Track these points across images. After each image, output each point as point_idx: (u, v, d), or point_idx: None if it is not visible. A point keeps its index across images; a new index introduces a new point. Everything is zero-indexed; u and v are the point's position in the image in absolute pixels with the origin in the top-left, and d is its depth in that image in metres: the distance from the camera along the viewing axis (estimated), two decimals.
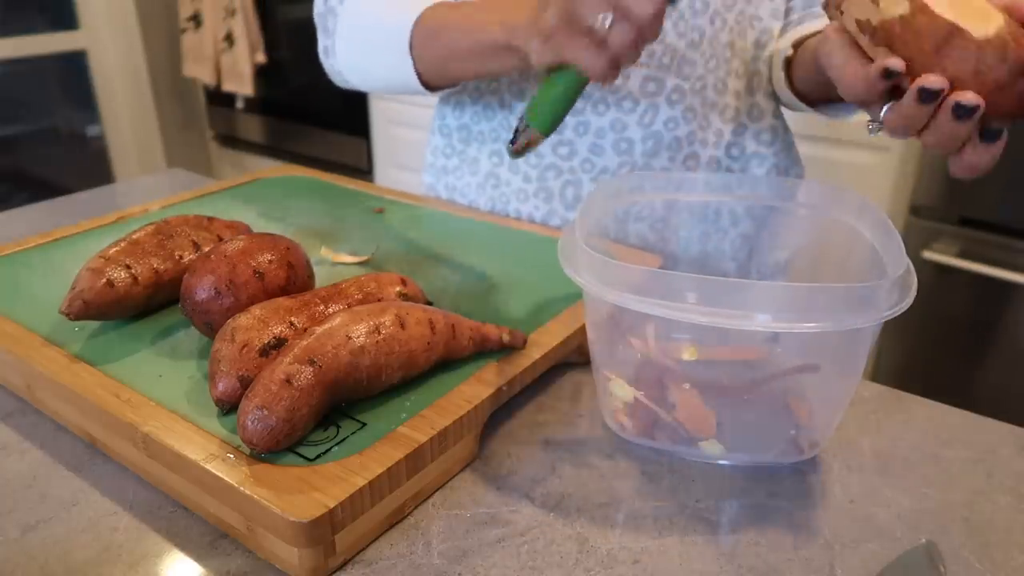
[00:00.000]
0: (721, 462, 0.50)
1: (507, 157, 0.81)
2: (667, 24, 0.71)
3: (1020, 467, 0.50)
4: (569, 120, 0.76)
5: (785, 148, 0.83)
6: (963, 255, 1.46)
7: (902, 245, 0.46)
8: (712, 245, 0.79)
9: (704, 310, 0.42)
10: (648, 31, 0.49)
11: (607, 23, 0.48)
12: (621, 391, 0.51)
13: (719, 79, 0.75)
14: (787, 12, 0.78)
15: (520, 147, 0.56)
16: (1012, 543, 0.44)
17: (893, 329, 1.61)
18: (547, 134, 0.55)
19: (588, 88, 0.71)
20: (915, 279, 0.44)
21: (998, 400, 1.51)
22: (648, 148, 0.75)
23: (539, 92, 0.54)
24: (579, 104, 0.75)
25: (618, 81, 0.73)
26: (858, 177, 1.56)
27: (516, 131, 0.56)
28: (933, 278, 1.50)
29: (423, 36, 0.66)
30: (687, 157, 0.77)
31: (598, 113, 0.75)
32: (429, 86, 0.70)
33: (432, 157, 0.90)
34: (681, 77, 0.73)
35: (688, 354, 0.55)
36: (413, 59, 0.68)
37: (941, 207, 1.48)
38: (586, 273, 0.46)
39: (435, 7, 0.66)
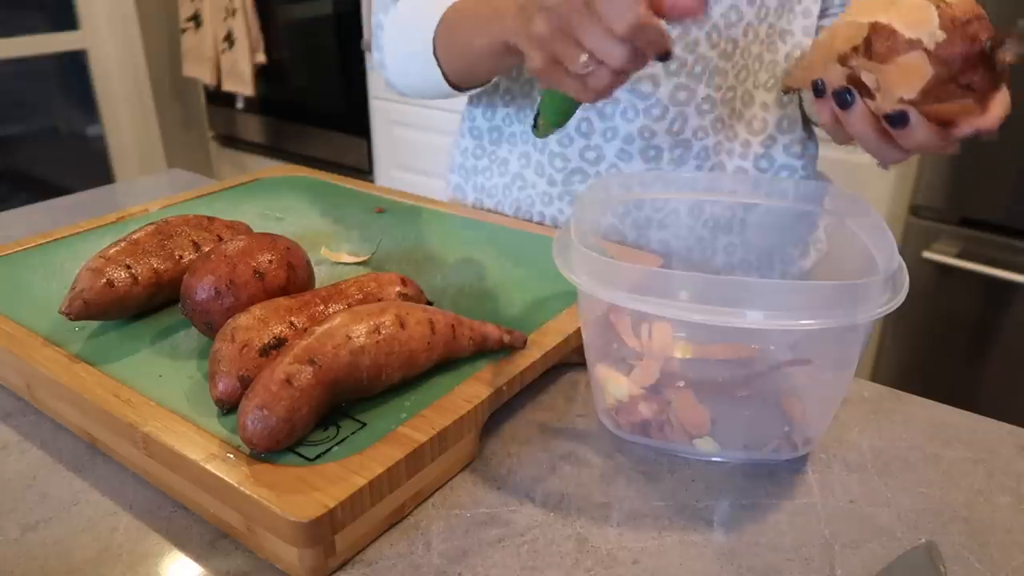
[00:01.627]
0: (716, 459, 0.50)
1: (534, 159, 0.81)
2: (700, 34, 0.71)
3: (1020, 467, 0.50)
4: (597, 125, 0.76)
5: (812, 161, 0.83)
6: (963, 255, 1.47)
7: (894, 243, 0.46)
8: (707, 243, 0.79)
9: (697, 308, 0.42)
10: (628, 69, 0.47)
11: (586, 67, 0.48)
12: (616, 389, 0.51)
13: (747, 91, 0.75)
14: (817, 31, 0.77)
15: (540, 132, 0.57)
16: (1012, 543, 0.44)
17: (893, 329, 1.61)
18: (556, 127, 0.56)
19: (617, 93, 0.72)
20: (907, 277, 0.44)
21: (998, 400, 1.51)
22: (676, 156, 0.75)
23: (544, 93, 0.55)
24: (608, 110, 0.75)
25: (648, 88, 0.73)
26: (858, 177, 1.56)
27: (536, 116, 0.57)
28: (933, 278, 1.51)
29: (443, 36, 0.67)
30: (714, 166, 0.76)
31: (627, 119, 0.75)
32: (457, 87, 0.71)
33: (461, 158, 0.90)
34: (712, 87, 0.73)
35: (682, 352, 0.55)
36: (438, 60, 0.68)
37: (941, 207, 1.48)
38: (580, 271, 0.46)
39: (459, 2, 0.66)
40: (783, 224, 0.72)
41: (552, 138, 0.79)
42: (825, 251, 0.80)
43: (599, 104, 0.74)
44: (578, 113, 0.75)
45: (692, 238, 0.77)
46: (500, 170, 0.85)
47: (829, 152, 1.58)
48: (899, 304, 0.42)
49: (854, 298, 0.41)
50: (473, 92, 0.78)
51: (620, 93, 0.74)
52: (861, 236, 0.51)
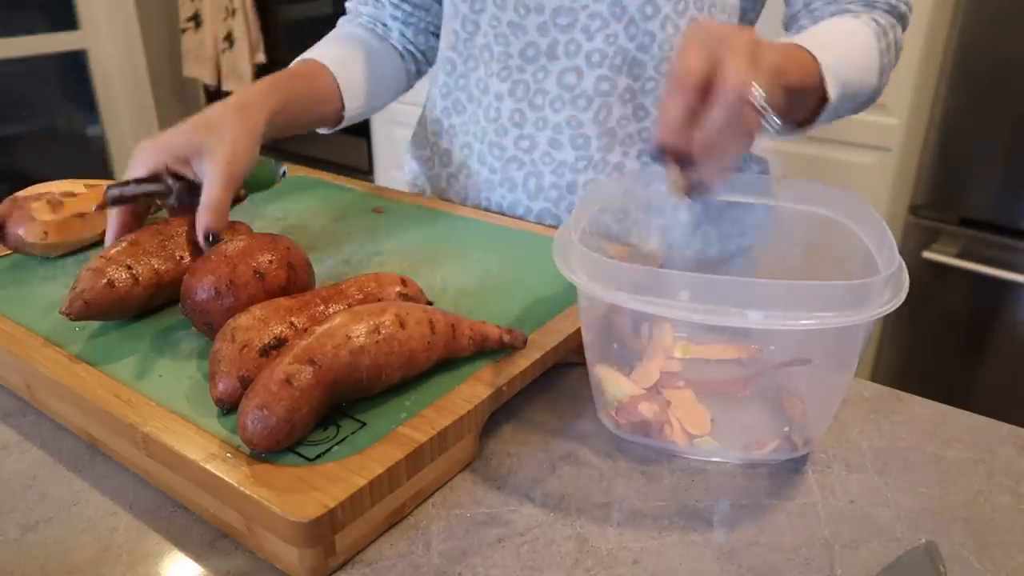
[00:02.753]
0: (716, 459, 0.50)
1: (476, 148, 0.83)
2: (619, 27, 0.73)
3: (1020, 467, 0.50)
4: (528, 115, 0.79)
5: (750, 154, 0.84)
6: (963, 255, 1.47)
7: (894, 243, 0.46)
8: (709, 244, 0.79)
9: (698, 308, 0.42)
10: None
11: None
12: (616, 389, 0.51)
13: None
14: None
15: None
16: (1012, 543, 0.44)
17: (893, 329, 1.61)
18: (255, 192, 0.76)
19: (545, 85, 0.77)
20: (907, 276, 0.44)
21: (998, 400, 1.51)
22: (603, 144, 0.77)
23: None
24: (537, 101, 0.78)
25: (572, 80, 0.76)
26: (858, 177, 1.56)
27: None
28: (933, 278, 1.50)
29: None
30: (640, 152, 0.78)
31: (555, 110, 0.77)
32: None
33: (415, 148, 0.94)
34: (632, 78, 0.75)
35: (682, 352, 0.55)
36: None
37: (941, 207, 1.48)
38: (580, 271, 0.46)
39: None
40: (751, 215, 0.73)
41: (490, 128, 0.81)
42: (798, 242, 0.81)
43: (530, 95, 0.78)
44: (510, 104, 0.79)
45: (694, 238, 0.77)
46: (443, 160, 0.88)
47: (830, 152, 1.59)
48: (899, 304, 0.42)
49: (854, 298, 0.41)
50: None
51: (550, 84, 0.77)
52: (861, 236, 0.51)
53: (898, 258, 0.44)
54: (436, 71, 0.88)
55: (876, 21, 0.70)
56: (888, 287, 0.43)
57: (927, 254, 1.48)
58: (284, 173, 0.81)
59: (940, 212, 1.49)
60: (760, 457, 0.50)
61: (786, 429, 0.50)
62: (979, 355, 1.51)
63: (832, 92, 0.61)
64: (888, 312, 0.41)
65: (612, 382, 0.51)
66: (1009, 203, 1.40)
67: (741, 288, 0.42)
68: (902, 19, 0.74)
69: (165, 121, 2.74)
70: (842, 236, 0.54)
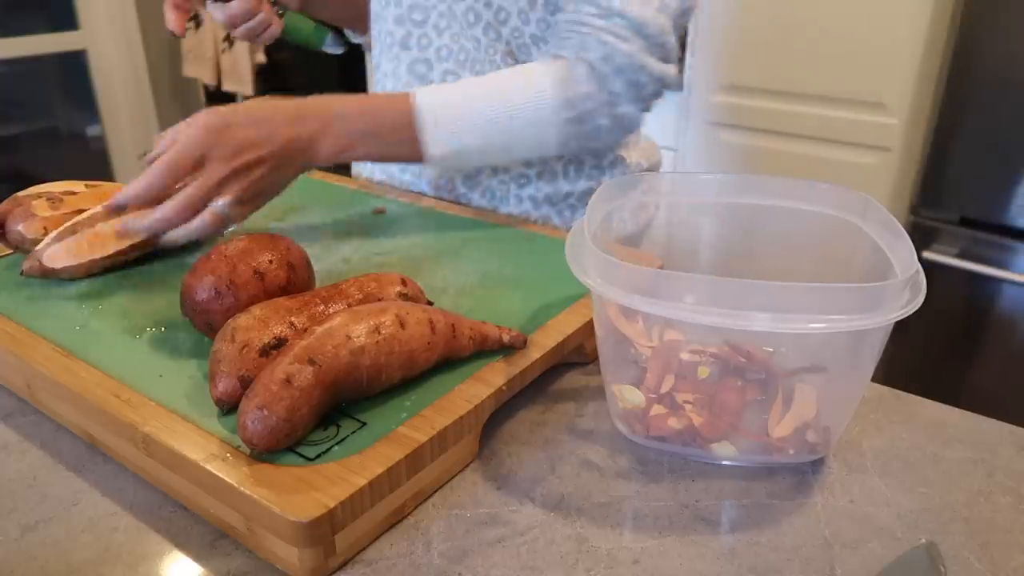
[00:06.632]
0: (726, 462, 0.50)
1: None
2: (457, 28, 0.80)
3: (1020, 467, 0.50)
4: None
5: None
6: (963, 255, 1.47)
7: (912, 246, 0.45)
8: (721, 246, 0.79)
9: (711, 311, 0.41)
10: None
11: None
12: (631, 394, 0.50)
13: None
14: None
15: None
16: (1012, 543, 0.44)
17: (893, 329, 1.61)
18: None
19: (399, 71, 0.86)
20: (924, 280, 0.44)
21: (998, 400, 1.51)
22: None
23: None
24: (389, 86, 0.87)
25: (424, 70, 0.84)
26: (858, 177, 1.56)
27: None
28: (933, 278, 1.50)
29: None
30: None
31: None
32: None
33: None
34: (474, 73, 0.82)
35: (698, 357, 0.54)
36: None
37: (941, 207, 1.48)
38: (594, 274, 0.45)
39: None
40: (761, 216, 0.72)
41: None
42: (808, 244, 0.80)
43: (386, 81, 0.88)
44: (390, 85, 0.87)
45: (672, 230, 0.76)
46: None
47: (830, 152, 1.59)
48: (917, 308, 0.41)
49: (872, 302, 0.41)
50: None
51: (401, 71, 0.85)
52: (874, 238, 0.51)
53: (916, 261, 0.44)
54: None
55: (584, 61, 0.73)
56: (906, 290, 0.42)
57: (927, 254, 1.49)
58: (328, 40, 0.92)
59: (940, 212, 1.49)
60: (775, 461, 0.49)
61: (801, 433, 0.50)
62: (979, 355, 1.51)
63: (435, 151, 0.72)
64: (905, 316, 0.41)
65: (627, 387, 0.51)
66: (1008, 203, 1.40)
67: (755, 291, 0.41)
68: (642, 32, 0.73)
69: (165, 121, 2.74)
70: (852, 237, 0.53)
